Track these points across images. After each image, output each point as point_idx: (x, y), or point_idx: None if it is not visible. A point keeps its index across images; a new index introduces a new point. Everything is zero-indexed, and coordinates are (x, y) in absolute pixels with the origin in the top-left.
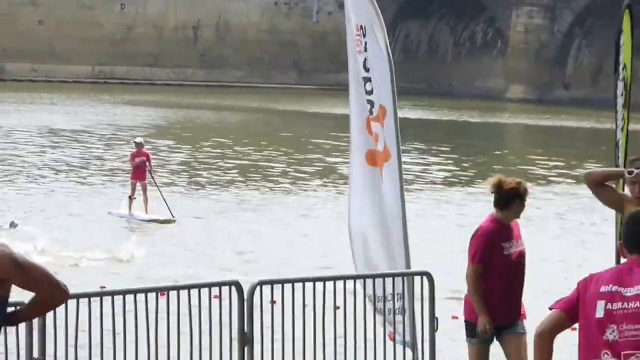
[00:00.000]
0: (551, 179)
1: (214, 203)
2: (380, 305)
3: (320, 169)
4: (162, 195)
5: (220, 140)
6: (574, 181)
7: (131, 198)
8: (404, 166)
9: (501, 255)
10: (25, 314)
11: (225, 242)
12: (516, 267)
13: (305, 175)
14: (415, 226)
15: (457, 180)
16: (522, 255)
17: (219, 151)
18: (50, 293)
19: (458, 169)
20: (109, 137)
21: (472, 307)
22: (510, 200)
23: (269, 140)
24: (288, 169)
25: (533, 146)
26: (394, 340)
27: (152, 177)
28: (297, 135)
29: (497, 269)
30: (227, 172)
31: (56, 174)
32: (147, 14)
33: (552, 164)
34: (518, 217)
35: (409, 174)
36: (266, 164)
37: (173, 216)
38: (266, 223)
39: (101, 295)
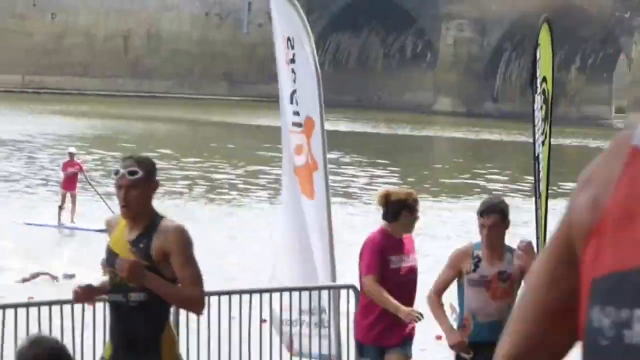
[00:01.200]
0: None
1: None
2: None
3: (261, 180)
4: (107, 205)
5: (159, 151)
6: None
7: (60, 207)
8: (347, 179)
9: (388, 268)
10: (157, 283)
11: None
12: (405, 283)
13: (249, 187)
14: (349, 239)
15: None
16: (412, 271)
17: (159, 162)
18: (194, 296)
19: (402, 182)
20: (40, 147)
21: (362, 327)
22: (397, 211)
23: (207, 151)
24: (229, 180)
25: (472, 160)
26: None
27: (93, 187)
28: (234, 147)
29: (383, 283)
30: (168, 183)
31: None
32: (78, 24)
33: (497, 177)
34: (409, 230)
35: (353, 188)
36: (207, 174)
37: None
38: (204, 234)
39: (27, 305)
